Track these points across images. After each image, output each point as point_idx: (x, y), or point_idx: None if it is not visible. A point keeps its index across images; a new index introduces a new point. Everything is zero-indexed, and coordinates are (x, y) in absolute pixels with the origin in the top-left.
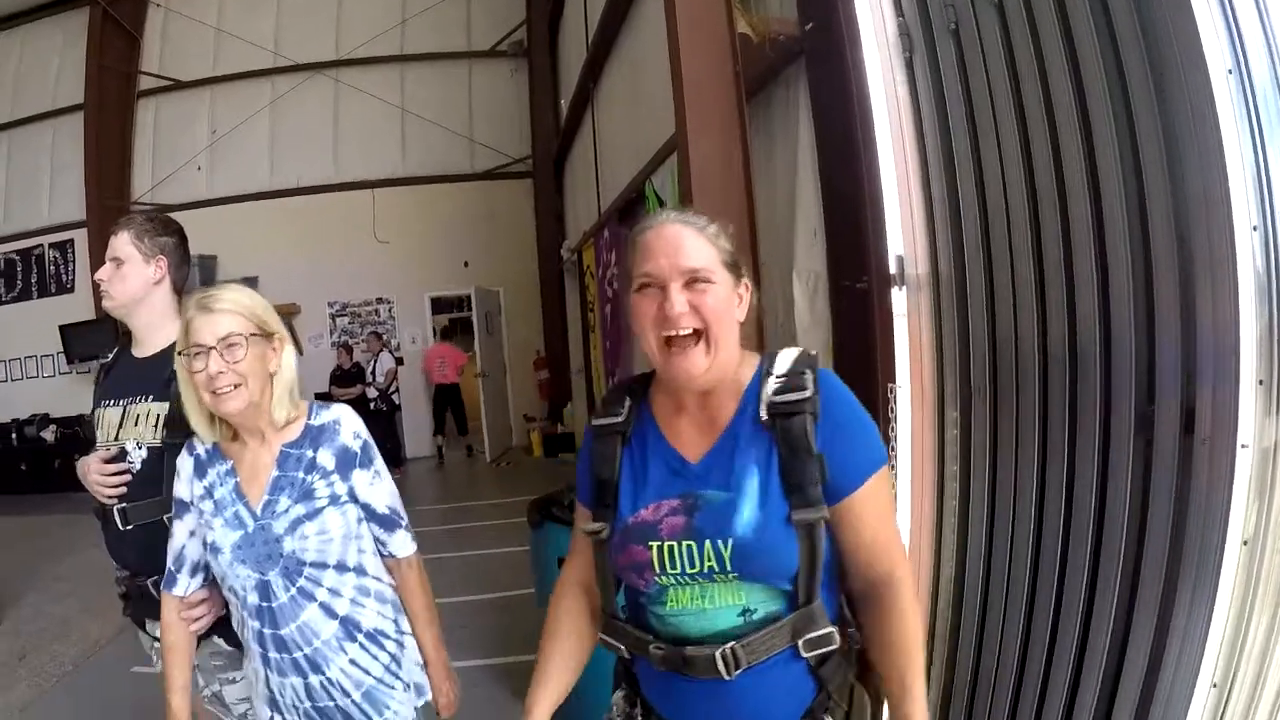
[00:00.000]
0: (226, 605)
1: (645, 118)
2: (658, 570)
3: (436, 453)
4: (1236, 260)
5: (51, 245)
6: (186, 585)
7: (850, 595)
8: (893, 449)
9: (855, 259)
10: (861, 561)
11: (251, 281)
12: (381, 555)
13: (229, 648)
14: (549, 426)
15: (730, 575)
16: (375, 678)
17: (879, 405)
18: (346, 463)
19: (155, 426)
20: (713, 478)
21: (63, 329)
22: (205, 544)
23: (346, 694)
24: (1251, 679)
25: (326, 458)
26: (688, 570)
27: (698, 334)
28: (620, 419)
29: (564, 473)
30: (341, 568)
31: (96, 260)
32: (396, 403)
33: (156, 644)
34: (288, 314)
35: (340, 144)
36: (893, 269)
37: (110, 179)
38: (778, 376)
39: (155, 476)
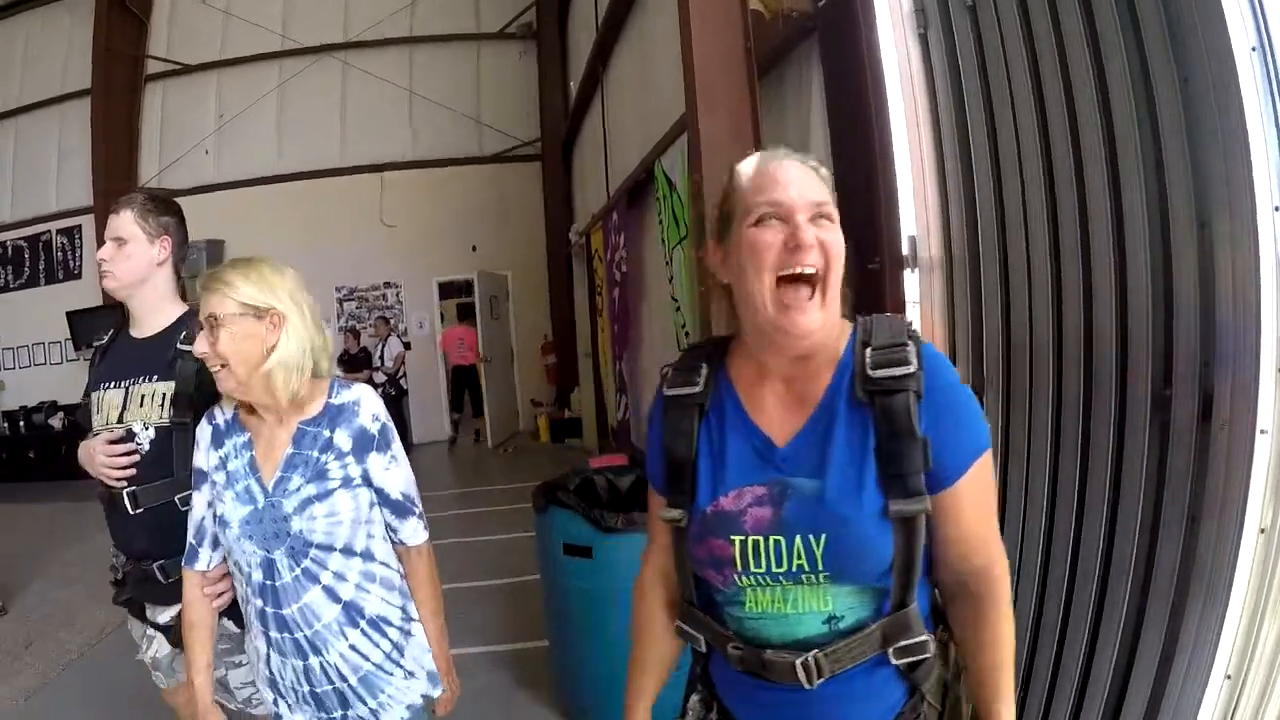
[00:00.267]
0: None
1: (655, 99)
2: (740, 568)
3: (452, 428)
4: (1259, 241)
5: (59, 231)
6: (209, 559)
7: (939, 587)
8: None
9: (868, 240)
10: (957, 555)
11: None
12: (392, 542)
13: (236, 629)
14: (556, 411)
15: (821, 575)
16: (374, 664)
17: None
18: (363, 445)
19: (162, 406)
20: (803, 463)
21: (70, 315)
22: (214, 516)
23: (344, 678)
24: (1265, 671)
25: (343, 438)
26: (774, 569)
27: (810, 285)
28: (699, 388)
29: (570, 458)
30: (348, 552)
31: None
32: (404, 387)
33: (149, 631)
34: None
35: (348, 127)
36: (905, 250)
37: (118, 164)
38: (876, 348)
39: (165, 457)
